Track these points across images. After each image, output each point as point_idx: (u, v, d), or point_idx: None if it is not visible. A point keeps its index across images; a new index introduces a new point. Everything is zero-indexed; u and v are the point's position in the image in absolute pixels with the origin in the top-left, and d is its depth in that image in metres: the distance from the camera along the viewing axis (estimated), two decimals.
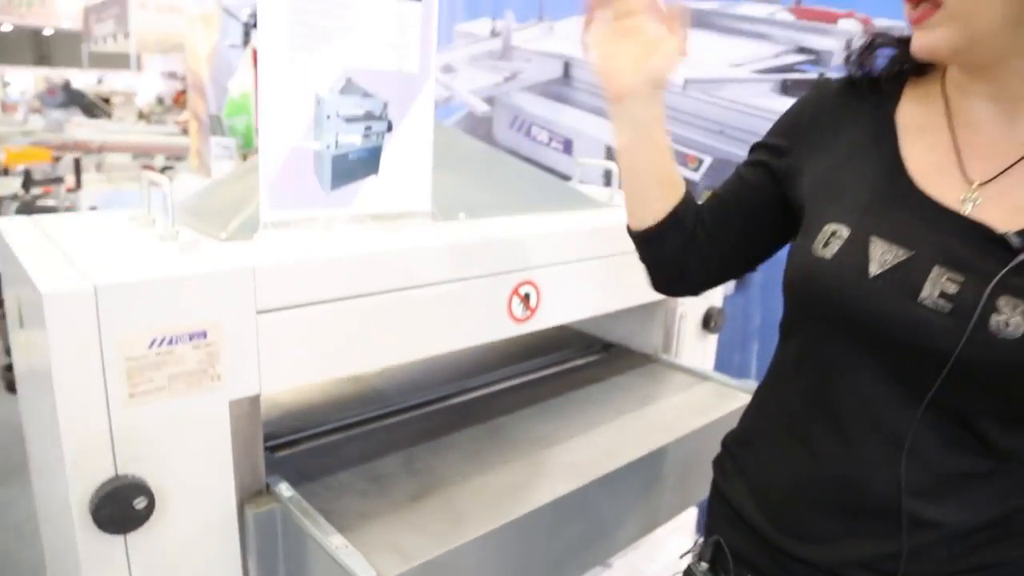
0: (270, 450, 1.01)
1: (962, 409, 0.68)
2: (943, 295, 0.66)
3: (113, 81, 14.98)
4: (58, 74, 16.44)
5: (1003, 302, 0.63)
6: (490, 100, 2.99)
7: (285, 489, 0.84)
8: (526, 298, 1.07)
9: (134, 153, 7.87)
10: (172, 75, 12.58)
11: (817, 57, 1.98)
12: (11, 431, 3.06)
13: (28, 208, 3.16)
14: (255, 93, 3.89)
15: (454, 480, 0.92)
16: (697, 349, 1.48)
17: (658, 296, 1.33)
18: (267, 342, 0.81)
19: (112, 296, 0.71)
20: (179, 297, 0.75)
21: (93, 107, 9.80)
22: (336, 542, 0.75)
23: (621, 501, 1.00)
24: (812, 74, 1.99)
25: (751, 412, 0.89)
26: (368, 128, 0.93)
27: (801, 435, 0.78)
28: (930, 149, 0.73)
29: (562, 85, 2.71)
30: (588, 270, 1.15)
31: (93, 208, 2.82)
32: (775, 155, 0.85)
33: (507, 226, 1.08)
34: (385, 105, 0.94)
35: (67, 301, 0.69)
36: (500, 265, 1.02)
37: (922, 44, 0.67)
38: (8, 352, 2.96)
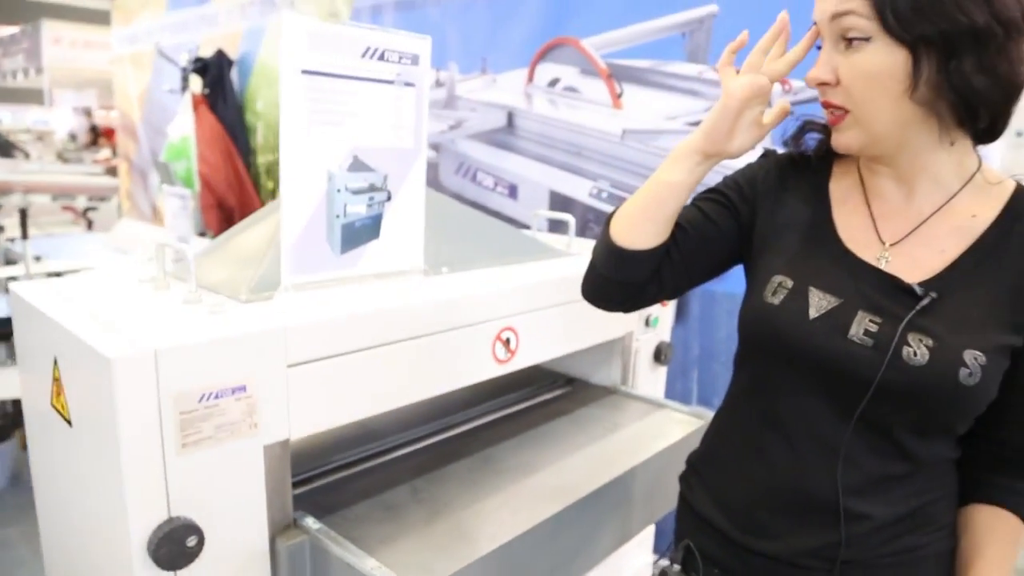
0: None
1: (884, 423, 0.85)
2: (866, 333, 0.83)
3: (21, 118, 14.46)
4: None
5: (912, 337, 0.81)
6: (436, 147, 3.13)
7: (312, 523, 0.94)
8: (507, 342, 1.20)
9: (54, 194, 7.64)
10: (85, 111, 12.27)
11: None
12: None
13: None
14: (195, 137, 3.94)
15: (458, 506, 1.04)
16: (650, 380, 1.64)
17: (617, 333, 1.49)
18: (296, 392, 0.92)
19: (169, 358, 0.81)
20: (224, 356, 0.85)
21: (9, 147, 9.48)
22: (370, 564, 0.85)
23: (601, 516, 1.13)
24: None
25: (711, 433, 1.04)
26: (371, 198, 1.05)
27: (756, 450, 0.94)
28: (853, 216, 0.90)
29: (506, 133, 2.88)
30: (558, 314, 1.29)
31: (37, 258, 2.81)
32: (740, 196, 0.98)
33: (487, 278, 1.22)
34: (385, 177, 1.07)
35: (132, 364, 0.78)
36: (485, 315, 1.15)
37: (838, 142, 0.85)
38: None
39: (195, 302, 0.98)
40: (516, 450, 1.25)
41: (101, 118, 12.08)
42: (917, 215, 0.86)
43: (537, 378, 1.60)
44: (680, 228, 0.98)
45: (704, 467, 1.03)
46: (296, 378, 0.92)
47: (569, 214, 1.58)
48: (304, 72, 0.94)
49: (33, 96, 13.75)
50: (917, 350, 0.80)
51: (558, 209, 2.69)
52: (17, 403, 3.06)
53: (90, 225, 7.39)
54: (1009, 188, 0.85)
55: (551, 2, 2.66)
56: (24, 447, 3.22)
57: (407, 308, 1.03)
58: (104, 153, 10.52)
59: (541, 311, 1.26)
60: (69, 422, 0.92)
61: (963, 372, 0.79)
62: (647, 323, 1.57)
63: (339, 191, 1.01)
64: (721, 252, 1.00)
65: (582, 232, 2.63)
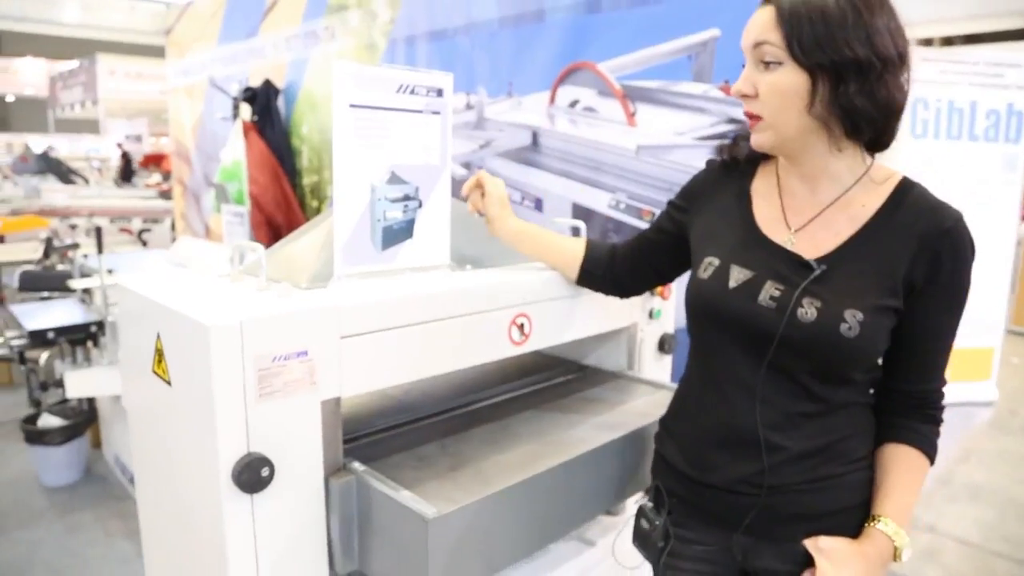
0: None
1: (788, 369, 1.07)
2: (771, 298, 1.06)
3: (77, 146, 15.13)
4: (18, 139, 16.61)
5: (805, 301, 1.04)
6: (467, 164, 3.38)
7: (358, 466, 1.17)
8: (521, 327, 1.42)
9: (112, 217, 8.07)
10: (137, 138, 12.82)
11: (744, 126, 2.40)
12: (30, 479, 3.29)
13: (48, 273, 3.44)
14: (245, 161, 4.25)
15: (479, 458, 1.26)
16: (656, 368, 1.84)
17: (621, 324, 1.70)
18: (346, 358, 1.15)
19: (251, 327, 1.04)
20: (291, 327, 1.09)
21: (69, 174, 10.02)
22: (405, 495, 1.07)
23: (603, 471, 1.34)
24: None
25: (675, 394, 1.28)
26: (406, 206, 1.29)
27: (698, 399, 1.18)
28: (769, 207, 1.15)
29: (531, 151, 3.11)
30: (567, 305, 1.51)
31: (110, 271, 3.11)
32: (679, 211, 1.29)
33: (504, 273, 1.44)
34: (417, 189, 1.30)
35: (224, 331, 1.02)
36: (502, 302, 1.37)
37: (754, 141, 1.09)
38: (33, 404, 3.20)
39: (266, 289, 1.22)
40: (531, 420, 1.47)
41: (151, 145, 12.64)
42: (818, 205, 1.10)
43: (552, 364, 1.81)
44: (639, 238, 1.37)
45: (669, 421, 1.27)
46: (347, 347, 1.15)
47: (581, 221, 1.80)
48: (352, 106, 1.18)
49: (88, 126, 14.45)
50: (808, 311, 1.03)
51: (580, 219, 2.90)
52: (91, 402, 3.37)
53: (144, 245, 7.80)
54: (895, 181, 1.07)
55: (570, 31, 2.90)
56: (96, 445, 3.54)
57: (436, 294, 1.26)
58: (155, 178, 11.02)
59: (552, 301, 1.47)
60: (169, 383, 1.16)
61: (843, 327, 1.01)
62: (650, 315, 1.77)
63: (380, 200, 1.25)
64: (672, 252, 1.31)
65: (603, 240, 2.84)
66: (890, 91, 1.00)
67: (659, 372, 1.87)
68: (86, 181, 10.22)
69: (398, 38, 3.71)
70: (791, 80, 1.00)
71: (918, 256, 1.03)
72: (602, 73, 2.79)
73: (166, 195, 8.69)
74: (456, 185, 1.38)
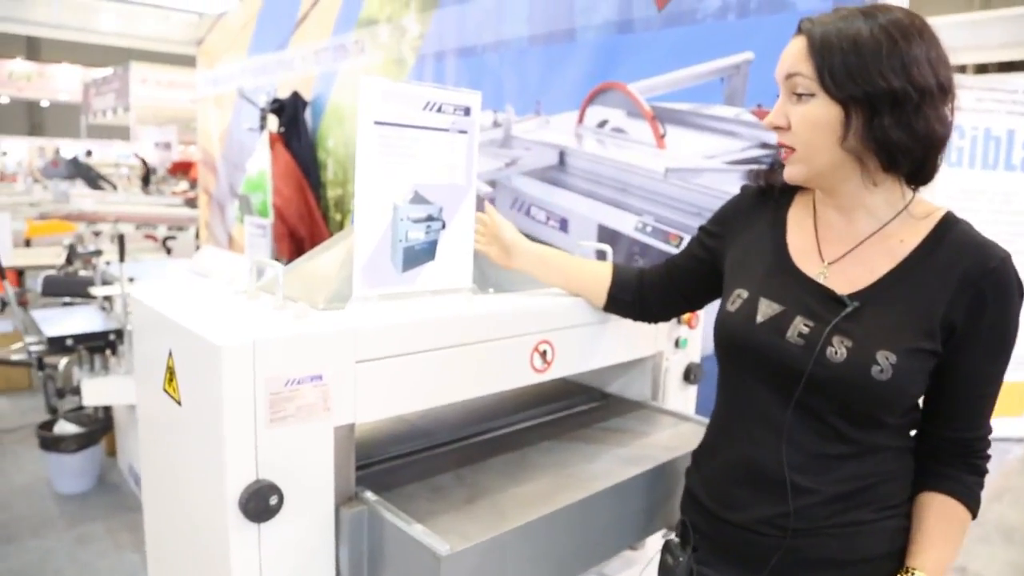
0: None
1: (816, 409, 1.02)
2: (800, 334, 1.02)
3: (107, 152, 15.37)
4: (50, 143, 16.92)
5: (835, 339, 0.99)
6: (492, 183, 3.35)
7: (371, 495, 1.12)
8: (543, 354, 1.37)
9: (137, 223, 8.15)
10: (166, 146, 12.99)
11: (777, 152, 2.34)
12: (44, 485, 3.28)
13: (71, 279, 3.46)
14: (270, 172, 4.25)
15: (496, 490, 1.21)
16: (681, 398, 1.78)
17: (646, 352, 1.65)
18: (362, 383, 1.11)
19: (264, 348, 1.00)
20: (305, 350, 1.05)
21: (97, 179, 10.15)
22: (417, 529, 1.03)
23: (624, 507, 1.28)
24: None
25: (707, 427, 1.23)
26: (429, 226, 1.25)
27: (726, 434, 1.14)
28: (803, 238, 1.10)
29: (558, 171, 3.07)
30: (590, 332, 1.46)
31: (131, 279, 3.11)
32: (711, 238, 1.25)
33: (527, 298, 1.39)
34: (440, 209, 1.26)
35: (236, 352, 0.98)
36: (524, 328, 1.33)
37: (787, 174, 1.05)
38: (50, 411, 3.19)
39: (282, 308, 1.19)
40: (551, 450, 1.41)
41: (180, 152, 12.80)
42: (854, 239, 1.05)
43: (574, 392, 1.76)
44: (669, 264, 1.33)
45: (699, 455, 1.22)
46: (363, 372, 1.11)
47: (608, 245, 1.75)
48: (376, 123, 1.15)
49: (119, 132, 14.69)
50: (838, 349, 0.98)
51: (606, 242, 2.85)
52: (107, 410, 3.36)
53: (169, 252, 7.86)
54: (937, 217, 1.02)
55: (600, 50, 2.87)
56: (110, 453, 3.52)
57: (456, 319, 1.22)
58: (182, 185, 11.14)
59: (575, 328, 1.42)
60: (179, 402, 1.12)
61: (875, 369, 0.96)
62: (676, 344, 1.71)
63: (402, 220, 1.21)
64: (703, 279, 1.27)
65: (628, 264, 2.79)
66: (929, 123, 0.95)
67: (684, 402, 1.81)
68: (114, 187, 10.35)
69: (427, 54, 3.70)
70: (823, 112, 0.97)
71: (958, 296, 0.97)
72: (632, 94, 2.75)
73: (192, 203, 8.77)
74: (480, 202, 1.35)
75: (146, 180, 10.97)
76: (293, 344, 1.03)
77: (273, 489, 1.03)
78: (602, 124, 2.88)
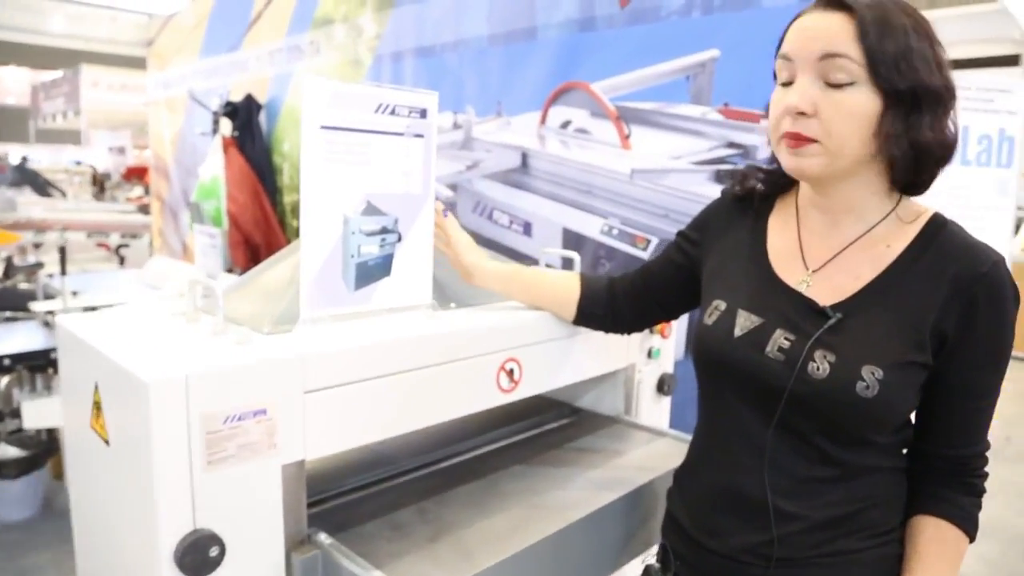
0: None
1: (799, 429, 0.95)
2: (779, 349, 0.94)
3: (58, 158, 14.89)
4: None
5: (817, 354, 0.92)
6: (453, 186, 3.25)
7: (325, 538, 1.02)
8: (510, 373, 1.28)
9: (89, 231, 7.87)
10: (119, 150, 12.65)
11: (744, 151, 2.28)
12: None
13: (10, 293, 3.27)
14: (224, 178, 4.10)
15: (461, 525, 1.12)
16: (654, 410, 1.70)
17: (618, 365, 1.57)
18: (311, 416, 1.01)
19: (199, 383, 0.90)
20: (247, 382, 0.94)
21: (46, 186, 9.80)
22: None
23: (600, 536, 1.20)
24: (741, 165, 2.29)
25: (689, 447, 1.15)
26: (383, 240, 1.15)
27: (706, 456, 1.07)
28: (785, 245, 1.03)
29: (520, 173, 2.99)
30: (559, 347, 1.37)
31: (75, 293, 2.95)
32: (690, 244, 1.17)
33: (491, 313, 1.30)
34: (396, 220, 1.16)
35: (166, 388, 0.87)
36: (489, 346, 1.24)
37: (797, 166, 0.93)
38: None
39: (222, 333, 1.08)
40: (520, 475, 1.32)
41: (134, 157, 12.45)
42: (838, 245, 0.97)
43: (543, 408, 1.67)
44: (643, 271, 1.24)
45: (681, 477, 1.14)
46: (312, 403, 1.01)
47: (575, 252, 1.66)
48: (323, 127, 1.05)
49: (71, 137, 14.24)
50: (820, 365, 0.91)
51: (571, 246, 2.78)
52: (52, 432, 3.19)
53: (122, 261, 7.60)
54: (924, 219, 0.96)
55: (562, 48, 2.79)
56: (57, 476, 3.34)
57: (415, 339, 1.12)
58: (137, 191, 10.81)
59: (543, 343, 1.34)
60: (107, 442, 1.01)
61: (860, 385, 0.89)
62: (649, 355, 1.64)
63: (354, 233, 1.11)
64: (680, 287, 1.19)
65: (594, 268, 2.71)
66: (951, 129, 0.91)
67: (658, 415, 1.73)
68: (63, 194, 10.01)
69: (384, 54, 3.59)
70: (864, 102, 0.88)
71: (949, 303, 0.90)
72: (595, 93, 2.67)
73: (146, 209, 8.50)
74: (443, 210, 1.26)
75: (100, 186, 10.64)
76: (232, 376, 0.93)
77: (213, 539, 0.92)
78: (565, 125, 2.80)
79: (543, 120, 2.87)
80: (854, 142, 0.89)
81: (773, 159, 1.09)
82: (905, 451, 1.01)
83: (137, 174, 11.49)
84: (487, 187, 3.12)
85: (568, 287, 1.29)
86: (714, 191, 2.36)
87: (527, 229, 3.00)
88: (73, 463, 1.20)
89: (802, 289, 0.97)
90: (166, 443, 0.88)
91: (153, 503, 0.89)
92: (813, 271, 0.98)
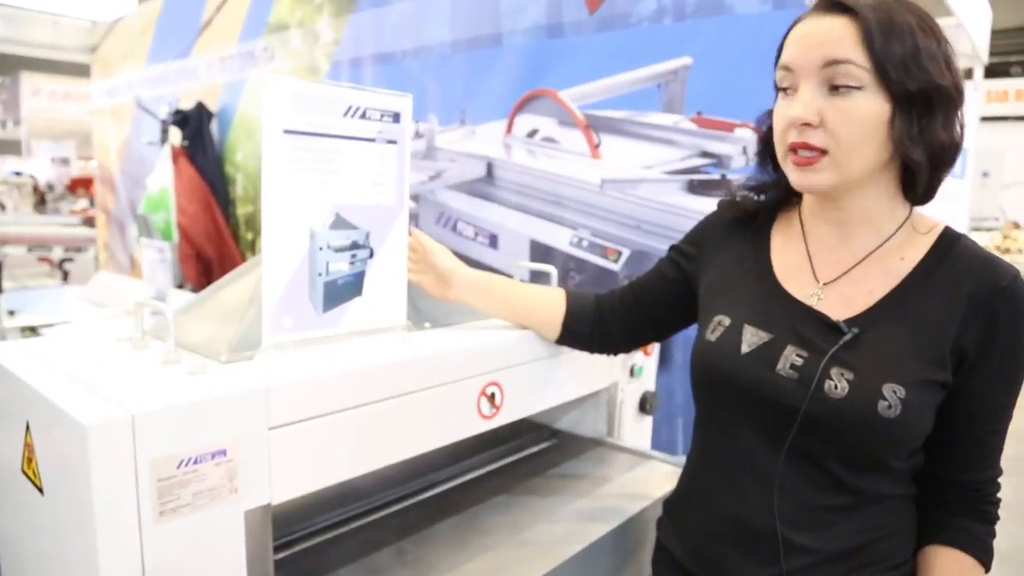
0: None
1: (813, 453, 0.88)
2: (792, 366, 0.87)
3: None
4: None
5: (834, 371, 0.85)
6: (416, 197, 3.14)
7: None
8: (492, 397, 1.19)
9: (30, 245, 7.56)
10: (63, 161, 12.25)
11: (718, 160, 2.23)
12: None
13: None
14: (174, 189, 3.93)
15: (444, 568, 1.02)
16: (636, 430, 1.62)
17: (602, 384, 1.48)
18: (278, 455, 0.90)
19: (147, 423, 0.78)
20: (203, 420, 0.83)
21: None
22: None
23: (591, 572, 1.11)
24: (715, 175, 2.23)
25: (681, 473, 1.07)
26: (354, 256, 1.05)
27: (704, 485, 0.99)
28: (791, 258, 0.96)
29: (486, 184, 2.90)
30: (542, 367, 1.28)
31: (11, 312, 2.76)
32: (686, 259, 1.10)
33: (470, 333, 1.21)
34: (367, 234, 1.06)
35: (108, 431, 0.76)
36: (469, 370, 1.14)
37: (807, 182, 0.88)
38: None
39: (174, 363, 0.96)
40: (503, 508, 1.23)
41: (79, 168, 12.05)
42: (851, 258, 0.92)
43: (522, 431, 1.58)
44: (633, 287, 1.16)
45: (672, 506, 1.07)
46: (278, 440, 0.90)
47: (551, 265, 1.58)
48: (287, 132, 0.94)
49: (11, 147, 13.72)
50: (838, 383, 0.84)
51: (539, 258, 2.70)
52: None
53: (66, 277, 7.31)
54: (936, 233, 0.91)
55: (529, 55, 2.71)
56: None
57: (390, 366, 1.02)
58: (82, 203, 10.45)
59: (525, 365, 1.25)
60: (41, 490, 0.89)
61: (882, 404, 0.82)
62: (631, 373, 1.56)
63: (321, 249, 1.00)
64: (674, 304, 1.12)
65: (563, 281, 2.63)
66: (960, 129, 0.86)
67: (640, 435, 1.65)
68: (2, 207, 9.61)
69: (342, 60, 3.47)
70: (873, 107, 0.82)
71: (969, 319, 0.85)
72: (564, 101, 2.60)
73: (92, 222, 8.20)
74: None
75: (41, 198, 10.25)
76: (186, 413, 0.82)
77: None
78: (532, 134, 2.73)
79: (509, 129, 2.79)
80: (865, 150, 0.84)
81: (756, 168, 1.03)
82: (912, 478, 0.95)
83: (82, 185, 11.12)
84: (451, 198, 3.03)
85: (552, 303, 1.21)
86: (687, 201, 2.31)
87: (493, 241, 2.91)
88: (2, 513, 1.07)
89: (813, 303, 0.91)
90: (109, 494, 0.77)
91: (95, 562, 0.77)
92: (824, 284, 0.92)
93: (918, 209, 0.93)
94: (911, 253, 0.90)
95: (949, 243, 0.90)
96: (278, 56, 3.84)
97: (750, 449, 0.91)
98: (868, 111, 0.82)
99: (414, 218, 3.16)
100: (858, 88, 0.82)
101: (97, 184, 6.20)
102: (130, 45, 5.32)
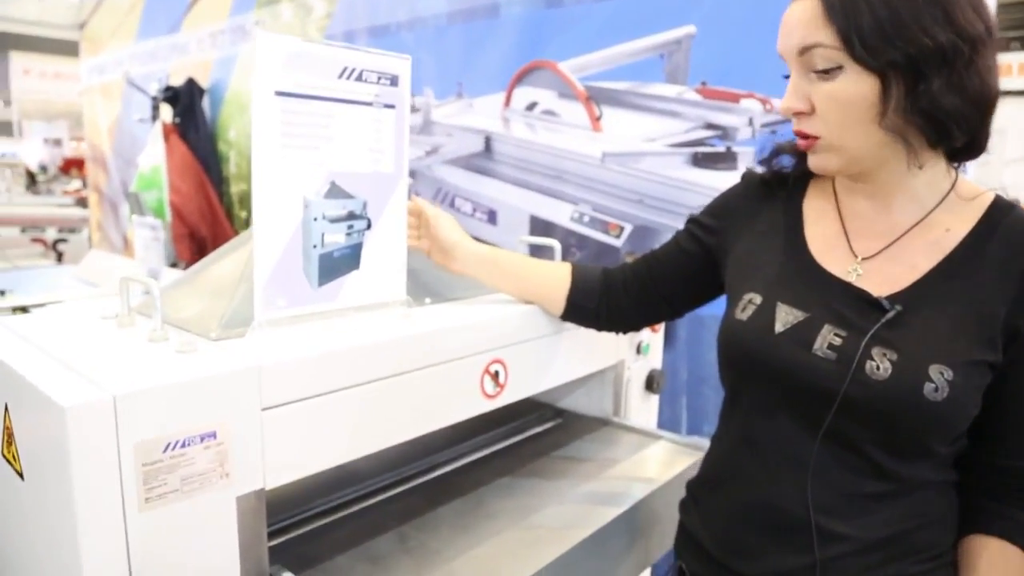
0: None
1: (852, 438, 0.82)
2: (831, 347, 0.81)
3: None
4: None
5: (876, 352, 0.79)
6: (412, 173, 3.08)
7: None
8: (496, 375, 1.14)
9: (23, 226, 7.46)
10: (56, 142, 12.12)
11: (724, 132, 2.17)
12: None
13: None
14: (166, 167, 3.85)
15: (450, 555, 0.97)
16: (642, 410, 1.58)
17: (608, 362, 1.44)
18: (271, 437, 0.85)
19: (130, 405, 0.73)
20: (191, 401, 0.78)
21: None
22: None
23: (600, 561, 1.07)
24: (720, 148, 2.17)
25: (706, 456, 1.02)
26: (350, 227, 0.99)
27: (734, 468, 0.93)
28: (826, 231, 0.90)
29: (484, 158, 2.83)
30: (547, 345, 1.23)
31: (2, 292, 2.70)
32: (707, 232, 1.03)
33: (472, 309, 1.15)
34: (365, 204, 1.01)
35: (89, 413, 0.71)
36: (472, 348, 1.09)
37: (815, 164, 0.85)
38: None
39: (161, 340, 0.91)
40: (508, 491, 1.18)
41: (72, 149, 11.92)
42: (892, 231, 0.85)
43: (526, 411, 1.53)
44: (648, 260, 1.10)
45: (698, 490, 1.01)
46: (272, 422, 0.85)
47: (555, 240, 1.53)
48: (278, 93, 0.88)
49: (2, 128, 13.57)
50: (880, 364, 0.78)
51: (539, 234, 2.64)
52: None
53: (60, 257, 7.22)
54: (985, 202, 0.84)
55: (527, 25, 2.63)
56: None
57: (390, 343, 0.97)
58: (75, 184, 10.34)
59: (530, 342, 1.20)
60: (21, 475, 0.84)
61: (928, 387, 0.76)
62: (638, 350, 1.51)
63: (316, 220, 0.95)
64: (698, 278, 1.06)
65: (564, 257, 2.58)
66: (983, 79, 0.77)
67: (646, 414, 1.61)
68: None
69: (335, 34, 3.39)
70: (856, 87, 0.77)
71: (1022, 296, 0.79)
72: (563, 73, 2.53)
73: (85, 203, 8.11)
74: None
75: (32, 178, 10.15)
76: (173, 394, 0.77)
77: None
78: (531, 107, 2.66)
79: (507, 102, 2.72)
80: (857, 132, 0.80)
81: (760, 143, 0.98)
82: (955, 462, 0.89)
83: (76, 166, 11.00)
84: (448, 173, 2.96)
85: (558, 275, 1.16)
86: (691, 175, 2.25)
87: (492, 217, 2.85)
88: None
89: (852, 279, 0.85)
90: (91, 479, 0.72)
91: (76, 551, 0.72)
92: (863, 259, 0.86)
93: (964, 176, 0.87)
94: (958, 224, 0.83)
95: (1001, 213, 0.83)
96: (269, 29, 3.75)
97: (784, 433, 0.86)
98: (853, 91, 0.78)
99: (410, 194, 3.10)
100: (837, 68, 0.78)
101: (88, 164, 6.12)
102: (119, 21, 5.21)
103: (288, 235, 0.93)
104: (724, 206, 1.03)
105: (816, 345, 0.82)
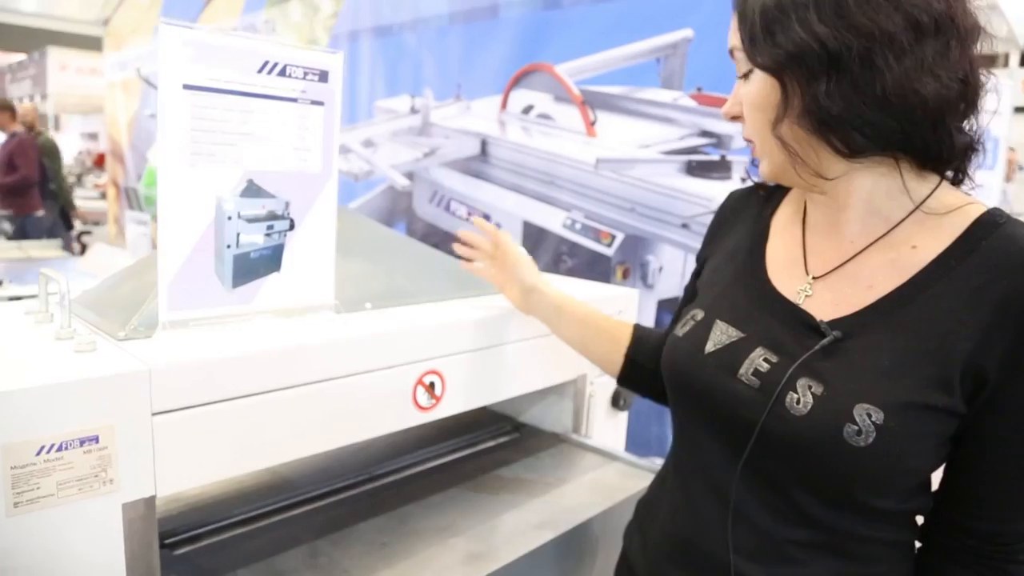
0: (168, 547, 1.00)
1: (774, 477, 0.74)
2: (756, 372, 0.74)
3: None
4: None
5: (801, 383, 0.70)
6: (410, 175, 3.05)
7: None
8: (431, 387, 1.09)
9: None
10: (92, 136, 12.32)
11: (719, 140, 2.11)
12: None
13: None
14: None
15: (357, 573, 0.92)
16: (607, 427, 1.52)
17: (566, 377, 1.38)
18: (163, 444, 0.81)
19: (1, 404, 0.70)
20: (69, 402, 0.74)
21: None
22: None
23: None
24: (715, 156, 2.11)
25: (654, 478, 0.95)
26: (270, 227, 0.95)
27: (668, 495, 0.87)
28: (786, 247, 0.82)
29: (479, 162, 2.79)
30: (493, 356, 1.18)
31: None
32: (700, 264, 0.97)
33: (412, 316, 1.11)
34: (287, 204, 0.97)
35: None
36: (404, 356, 1.05)
37: (760, 171, 0.80)
38: None
39: (66, 339, 0.88)
40: (440, 508, 1.13)
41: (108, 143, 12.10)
42: (851, 247, 0.76)
43: (483, 423, 1.48)
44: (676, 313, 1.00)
45: (642, 511, 0.95)
46: (164, 427, 0.81)
47: (534, 247, 1.47)
48: (187, 87, 0.85)
49: (40, 123, 13.82)
50: (802, 397, 0.70)
51: (532, 240, 2.59)
52: None
53: (83, 249, 7.32)
54: (968, 217, 0.71)
55: (525, 28, 2.59)
56: None
57: (304, 348, 0.93)
58: (105, 178, 10.49)
59: (472, 352, 1.15)
60: None
61: (849, 429, 0.67)
62: None
63: (230, 219, 0.91)
64: None
65: (555, 265, 2.53)
66: (901, 81, 0.65)
67: (613, 432, 1.55)
68: None
69: (341, 33, 3.38)
70: (759, 90, 0.73)
71: (992, 332, 0.66)
72: (560, 76, 2.48)
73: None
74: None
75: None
76: (49, 395, 0.73)
77: None
78: (527, 110, 2.62)
79: (504, 105, 2.68)
80: (767, 135, 0.74)
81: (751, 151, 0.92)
82: (917, 518, 0.78)
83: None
84: (445, 176, 2.93)
85: (621, 327, 1.07)
86: (685, 184, 2.19)
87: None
88: None
89: (799, 300, 0.76)
90: None
91: None
92: (815, 278, 0.77)
93: (948, 186, 0.74)
94: (929, 242, 0.71)
95: (984, 231, 0.69)
96: (279, 28, 3.75)
97: (709, 463, 0.79)
98: (756, 94, 0.73)
99: (407, 196, 3.07)
100: (752, 71, 0.73)
101: (108, 157, 6.20)
102: (140, 18, 5.27)
103: (198, 234, 0.89)
104: (710, 232, 0.97)
105: (742, 370, 0.75)
